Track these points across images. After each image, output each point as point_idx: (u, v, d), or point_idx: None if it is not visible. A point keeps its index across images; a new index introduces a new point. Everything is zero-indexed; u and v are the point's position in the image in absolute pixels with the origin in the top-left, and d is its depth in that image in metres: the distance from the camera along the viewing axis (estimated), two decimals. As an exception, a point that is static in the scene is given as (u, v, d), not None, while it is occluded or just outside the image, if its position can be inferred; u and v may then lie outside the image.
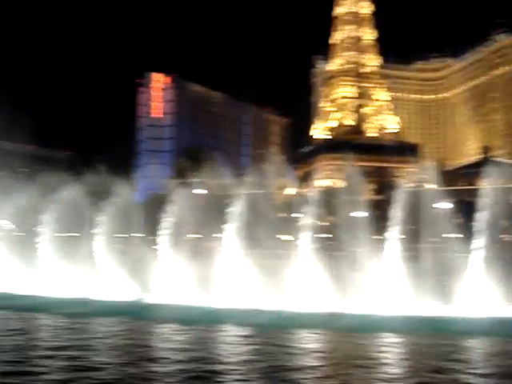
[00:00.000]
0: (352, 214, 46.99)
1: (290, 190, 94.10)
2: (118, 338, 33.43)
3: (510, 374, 25.38)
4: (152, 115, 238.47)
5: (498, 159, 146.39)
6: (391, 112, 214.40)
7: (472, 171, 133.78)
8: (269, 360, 27.35)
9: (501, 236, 55.55)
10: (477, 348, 31.72)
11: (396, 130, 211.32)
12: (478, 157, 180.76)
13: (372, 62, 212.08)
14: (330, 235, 55.21)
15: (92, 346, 30.68)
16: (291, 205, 52.31)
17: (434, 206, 45.24)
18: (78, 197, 52.87)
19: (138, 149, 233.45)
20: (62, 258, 52.03)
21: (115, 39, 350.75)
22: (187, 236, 52.95)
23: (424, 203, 44.39)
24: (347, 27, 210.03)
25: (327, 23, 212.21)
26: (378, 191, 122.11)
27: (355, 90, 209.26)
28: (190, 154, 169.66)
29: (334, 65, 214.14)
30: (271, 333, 34.58)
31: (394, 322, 36.32)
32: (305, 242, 44.77)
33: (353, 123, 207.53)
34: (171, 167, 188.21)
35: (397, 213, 43.26)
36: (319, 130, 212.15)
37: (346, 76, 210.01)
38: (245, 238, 46.07)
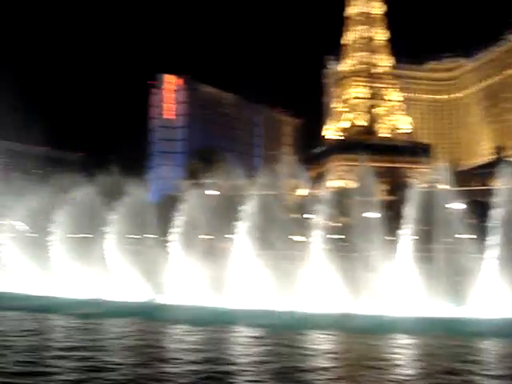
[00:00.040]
0: (364, 215, 46.86)
1: (303, 191, 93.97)
2: (131, 339, 33.53)
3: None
4: (164, 116, 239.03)
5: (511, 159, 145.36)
6: (403, 112, 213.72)
7: (485, 171, 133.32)
8: (281, 361, 27.35)
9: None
10: (490, 349, 31.53)
11: (409, 131, 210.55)
12: (491, 157, 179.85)
13: (384, 62, 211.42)
14: (343, 236, 55.09)
15: (104, 347, 30.79)
16: (303, 206, 52.23)
17: (447, 206, 45.02)
18: (90, 198, 53.05)
19: (150, 150, 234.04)
20: (75, 259, 52.21)
21: (128, 41, 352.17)
22: (200, 237, 52.99)
23: (437, 204, 44.17)
24: (359, 27, 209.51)
25: (339, 24, 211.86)
26: (391, 192, 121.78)
27: (367, 91, 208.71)
28: (202, 156, 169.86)
29: (345, 65, 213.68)
30: (283, 334, 34.56)
31: (406, 323, 36.16)
32: (317, 243, 44.69)
33: (365, 124, 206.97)
34: (183, 168, 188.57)
35: (409, 213, 43.09)
36: (331, 131, 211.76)
37: (358, 76, 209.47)
38: (257, 238, 46.05)
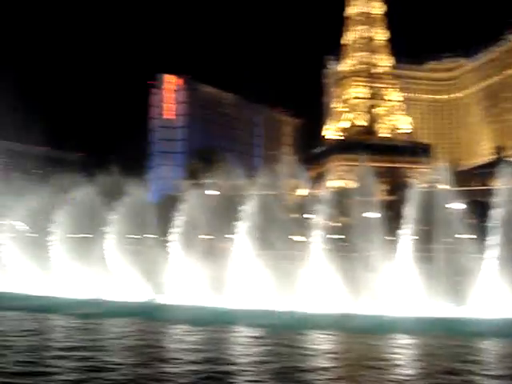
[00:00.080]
0: (364, 215, 46.85)
1: (303, 191, 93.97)
2: (131, 339, 33.53)
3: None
4: (164, 117, 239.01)
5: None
6: (403, 112, 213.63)
7: (485, 171, 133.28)
8: (281, 361, 27.35)
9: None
10: (490, 349, 31.52)
11: (408, 131, 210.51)
12: (491, 157, 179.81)
13: (384, 62, 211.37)
14: (343, 236, 55.09)
15: (104, 347, 30.79)
16: (303, 206, 52.23)
17: (447, 206, 45.02)
18: (90, 198, 53.06)
19: (150, 150, 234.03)
20: (75, 259, 52.22)
21: (127, 41, 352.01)
22: (199, 237, 53.00)
23: (437, 204, 44.16)
24: (359, 27, 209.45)
25: (339, 24, 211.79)
26: (391, 192, 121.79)
27: (367, 91, 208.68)
28: (202, 155, 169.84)
29: (345, 65, 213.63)
30: (283, 334, 34.56)
31: (406, 323, 36.18)
32: (317, 243, 44.69)
33: (365, 124, 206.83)
34: (183, 168, 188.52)
35: (409, 213, 43.09)
36: (331, 131, 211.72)
37: (358, 76, 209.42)
38: (257, 238, 46.05)
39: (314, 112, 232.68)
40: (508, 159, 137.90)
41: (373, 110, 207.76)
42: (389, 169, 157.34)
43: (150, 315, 41.01)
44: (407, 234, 42.92)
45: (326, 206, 46.58)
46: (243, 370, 25.20)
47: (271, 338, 33.51)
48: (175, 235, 48.75)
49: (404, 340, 33.09)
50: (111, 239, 51.23)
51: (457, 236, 44.08)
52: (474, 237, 42.24)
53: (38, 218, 57.28)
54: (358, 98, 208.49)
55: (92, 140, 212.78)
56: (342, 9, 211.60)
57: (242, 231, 46.24)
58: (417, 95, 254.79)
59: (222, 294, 44.25)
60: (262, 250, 46.31)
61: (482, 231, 41.50)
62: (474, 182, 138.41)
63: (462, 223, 43.56)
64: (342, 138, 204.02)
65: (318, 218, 45.86)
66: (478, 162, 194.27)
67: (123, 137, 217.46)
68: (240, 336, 34.50)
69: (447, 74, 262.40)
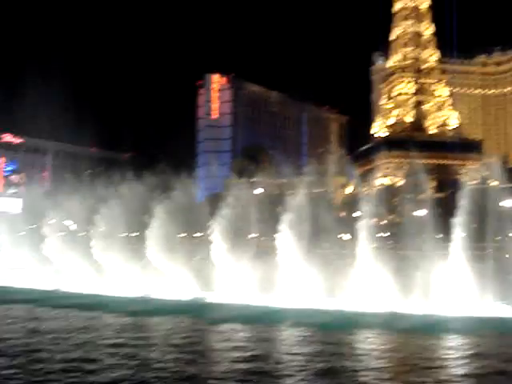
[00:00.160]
0: (413, 213, 46.30)
1: (350, 189, 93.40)
2: (178, 337, 33.67)
3: None
4: (211, 116, 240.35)
5: None
6: (451, 108, 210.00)
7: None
8: (332, 361, 27.09)
9: None
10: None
11: (457, 126, 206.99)
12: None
13: (431, 57, 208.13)
14: (392, 234, 54.48)
15: (152, 344, 31.15)
16: (351, 204, 51.89)
17: (500, 204, 44.11)
18: (140, 197, 53.70)
19: (197, 149, 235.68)
20: (125, 258, 52.91)
21: (177, 42, 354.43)
22: (248, 236, 53.13)
23: (488, 201, 43.31)
24: (406, 22, 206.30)
25: (388, 20, 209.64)
26: (439, 189, 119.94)
27: (415, 86, 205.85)
28: (249, 154, 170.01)
29: (393, 61, 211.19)
30: (333, 333, 34.30)
31: (458, 322, 35.56)
32: (366, 242, 44.29)
33: (413, 120, 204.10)
34: (230, 167, 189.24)
35: (460, 211, 42.31)
36: (379, 128, 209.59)
37: (405, 72, 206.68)
38: (305, 237, 45.88)
39: (362, 109, 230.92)
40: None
41: (420, 105, 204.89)
42: (437, 165, 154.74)
43: (199, 313, 41.15)
44: (458, 232, 42.15)
45: (374, 203, 46.19)
46: (290, 367, 25.16)
47: (321, 336, 33.29)
48: (222, 233, 48.95)
49: (456, 340, 32.52)
50: (160, 237, 51.61)
51: (510, 234, 43.21)
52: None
53: (88, 218, 58.19)
54: (406, 94, 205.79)
55: (142, 140, 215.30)
56: (391, 4, 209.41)
57: (290, 230, 46.14)
58: (466, 90, 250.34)
59: (271, 293, 44.25)
60: (310, 249, 46.14)
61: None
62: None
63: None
64: (390, 134, 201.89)
65: (366, 216, 45.46)
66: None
67: (173, 137, 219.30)
68: (289, 335, 34.39)
69: (497, 67, 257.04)
